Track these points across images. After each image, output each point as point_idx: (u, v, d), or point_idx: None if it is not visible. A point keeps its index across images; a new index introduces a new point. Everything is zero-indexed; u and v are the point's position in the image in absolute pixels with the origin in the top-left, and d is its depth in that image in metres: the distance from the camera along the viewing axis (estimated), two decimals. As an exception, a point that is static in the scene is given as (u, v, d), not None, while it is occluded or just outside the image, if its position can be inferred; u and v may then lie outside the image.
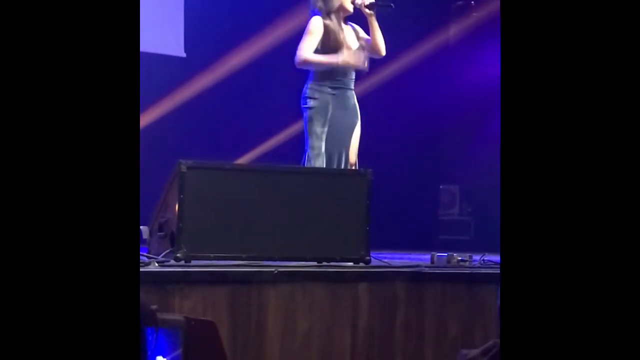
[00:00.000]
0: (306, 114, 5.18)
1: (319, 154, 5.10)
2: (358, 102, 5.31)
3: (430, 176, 9.28)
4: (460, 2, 9.30)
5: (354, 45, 5.18)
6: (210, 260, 4.10)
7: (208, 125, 8.16)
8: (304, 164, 5.11)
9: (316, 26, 5.12)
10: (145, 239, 4.45)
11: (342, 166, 5.13)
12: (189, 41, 8.17)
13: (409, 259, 5.31)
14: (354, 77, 5.25)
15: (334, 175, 4.69)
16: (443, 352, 4.28)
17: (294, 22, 7.82)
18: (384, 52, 5.29)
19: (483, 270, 4.63)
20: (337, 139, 5.17)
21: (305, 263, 4.23)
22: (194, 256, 4.07)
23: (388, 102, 8.41)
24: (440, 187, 9.41)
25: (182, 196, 4.08)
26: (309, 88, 5.18)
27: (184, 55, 8.15)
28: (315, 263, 4.27)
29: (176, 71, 8.02)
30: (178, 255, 4.03)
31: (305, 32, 5.14)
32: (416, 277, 4.30)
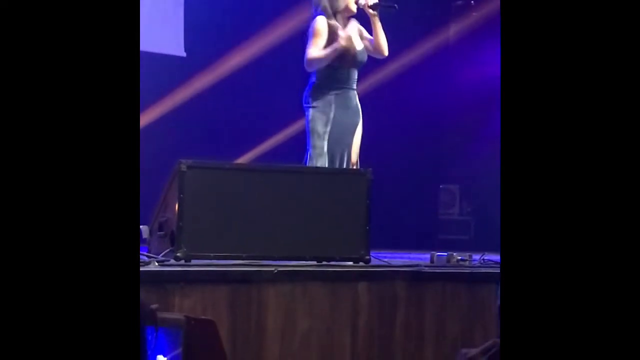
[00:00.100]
0: (308, 113, 5.18)
1: (321, 154, 5.10)
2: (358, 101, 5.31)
3: (430, 176, 9.28)
4: (460, 2, 9.30)
5: (358, 45, 5.18)
6: (210, 259, 4.10)
7: (208, 125, 8.16)
8: (306, 164, 5.10)
9: (321, 27, 5.12)
10: (145, 239, 4.45)
11: (344, 166, 5.13)
12: (189, 41, 8.17)
13: (408, 258, 5.31)
14: (356, 77, 5.25)
15: (333, 174, 4.69)
16: (443, 352, 4.28)
17: (294, 21, 7.82)
18: (386, 53, 5.29)
19: (483, 270, 4.63)
20: (340, 138, 5.17)
21: (305, 262, 4.23)
22: (194, 255, 4.07)
23: (388, 101, 8.41)
24: (440, 186, 9.41)
25: (182, 196, 4.08)
26: (312, 88, 5.18)
27: (184, 54, 8.15)
28: (315, 262, 4.27)
29: (176, 71, 8.02)
30: (178, 254, 4.03)
31: (310, 34, 5.14)
32: (416, 277, 4.30)
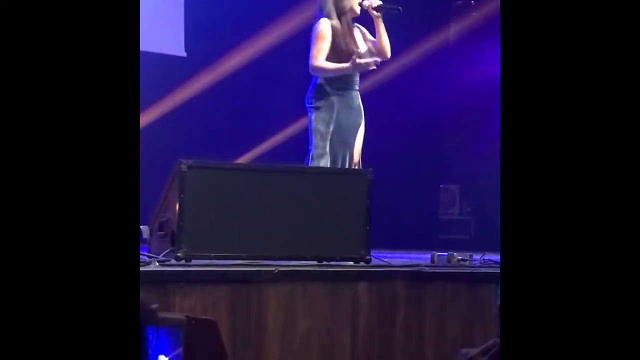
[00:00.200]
0: (311, 113, 5.19)
1: (323, 154, 5.11)
2: (359, 101, 5.32)
3: (430, 176, 9.29)
4: (460, 2, 9.30)
5: (362, 48, 5.19)
6: (211, 259, 4.11)
7: (208, 125, 8.16)
8: (308, 163, 5.11)
9: (325, 30, 5.13)
10: (146, 239, 4.45)
11: (347, 166, 5.14)
12: (190, 41, 8.17)
13: (409, 258, 5.31)
14: (358, 78, 5.26)
15: (334, 174, 4.69)
16: (443, 352, 4.28)
17: (294, 21, 7.83)
18: (389, 55, 5.31)
19: (483, 270, 4.63)
20: (342, 139, 5.18)
21: (305, 262, 4.24)
22: (195, 255, 4.07)
23: (388, 101, 8.41)
24: (440, 186, 9.42)
25: (182, 196, 4.08)
26: (315, 88, 5.19)
27: (185, 54, 8.15)
28: (315, 262, 4.27)
29: (176, 71, 8.02)
30: (178, 254, 4.03)
31: (314, 37, 5.14)
32: (416, 277, 4.30)
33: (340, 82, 5.17)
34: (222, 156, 6.08)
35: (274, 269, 3.93)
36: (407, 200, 8.93)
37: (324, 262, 4.29)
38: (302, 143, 5.79)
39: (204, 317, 3.37)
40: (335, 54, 5.12)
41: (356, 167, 5.18)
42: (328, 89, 5.16)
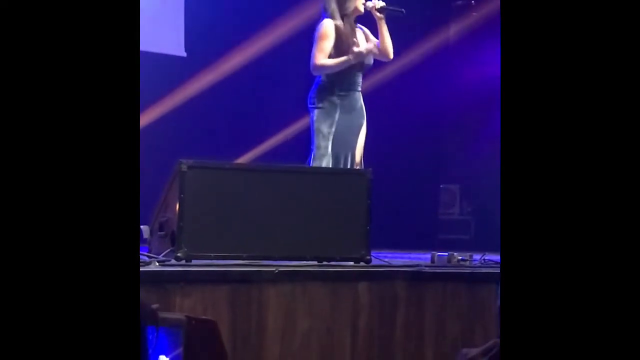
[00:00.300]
0: (313, 113, 5.19)
1: (325, 154, 5.12)
2: (359, 101, 5.32)
3: (430, 175, 9.29)
4: (460, 2, 9.29)
5: (365, 46, 5.20)
6: (211, 259, 4.11)
7: (208, 125, 8.16)
8: (310, 163, 5.12)
9: (328, 30, 5.14)
10: (146, 239, 4.45)
11: (348, 166, 5.15)
12: (190, 40, 8.17)
13: (409, 258, 5.31)
14: (361, 80, 5.27)
15: (334, 174, 4.69)
16: (443, 352, 4.28)
17: (294, 21, 7.83)
18: (392, 56, 5.32)
19: (483, 270, 4.63)
20: (344, 140, 5.19)
21: (305, 262, 4.23)
22: (195, 255, 4.07)
23: (388, 101, 8.41)
24: (441, 186, 9.41)
25: (182, 196, 4.08)
26: (318, 88, 5.20)
27: (185, 54, 8.15)
28: (315, 262, 4.27)
29: (177, 71, 8.02)
30: (179, 254, 4.03)
31: (317, 37, 5.15)
32: (416, 277, 4.30)
33: (343, 83, 5.18)
34: (222, 156, 6.08)
35: (274, 269, 3.93)
36: (407, 200, 8.93)
37: (324, 262, 4.29)
38: (302, 143, 5.79)
39: (204, 317, 3.37)
40: (338, 54, 5.12)
41: (358, 167, 5.18)
42: (331, 89, 5.17)
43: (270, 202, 4.22)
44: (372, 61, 5.27)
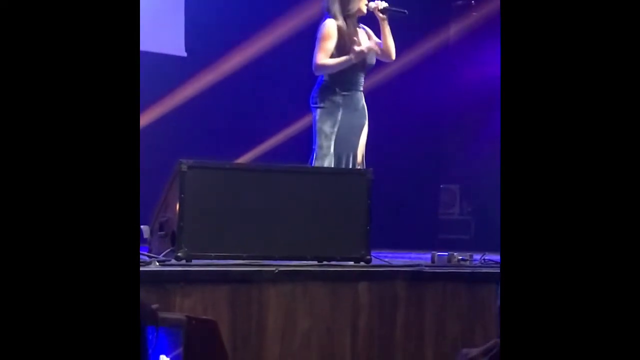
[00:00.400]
0: (315, 113, 5.20)
1: (327, 154, 5.13)
2: (360, 101, 5.33)
3: (430, 175, 9.29)
4: (460, 2, 9.29)
5: (365, 45, 5.20)
6: (211, 259, 4.11)
7: (208, 125, 8.16)
8: (311, 163, 5.13)
9: (330, 30, 5.14)
10: (146, 239, 4.45)
11: (350, 166, 5.17)
12: (190, 40, 8.17)
13: (409, 258, 5.32)
14: (363, 80, 5.28)
15: (334, 174, 4.69)
16: (443, 352, 4.28)
17: (294, 21, 7.83)
18: (394, 57, 5.33)
19: (484, 270, 4.63)
20: (346, 140, 5.20)
21: (305, 262, 4.24)
22: (195, 255, 4.07)
23: (388, 101, 8.41)
24: (441, 186, 9.41)
25: (182, 195, 4.08)
26: (320, 88, 5.20)
27: (185, 54, 8.15)
28: (315, 262, 4.27)
29: (177, 70, 8.02)
30: (179, 254, 4.04)
31: (319, 37, 5.16)
32: (417, 277, 4.30)
33: (345, 83, 5.19)
34: (222, 156, 6.08)
35: (274, 269, 3.94)
36: (407, 200, 8.93)
37: (324, 262, 4.29)
38: (302, 143, 5.79)
39: (204, 317, 3.37)
40: (340, 54, 5.13)
41: (359, 167, 5.19)
42: (333, 89, 5.18)
43: (270, 202, 4.22)
44: (374, 61, 5.28)
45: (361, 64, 5.19)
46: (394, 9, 5.23)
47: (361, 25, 5.31)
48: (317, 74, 5.20)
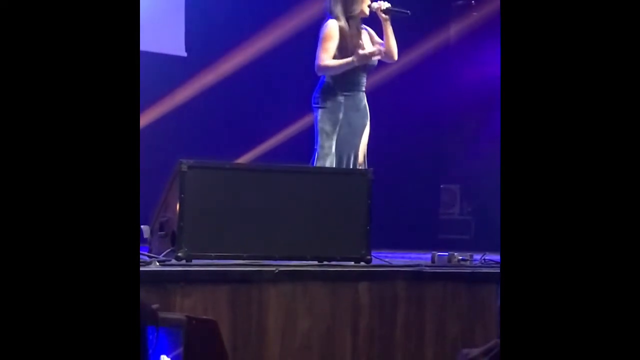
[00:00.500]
0: (317, 113, 5.21)
1: (328, 154, 5.14)
2: (360, 101, 5.33)
3: (430, 175, 9.28)
4: (460, 2, 9.29)
5: (369, 49, 5.20)
6: (211, 259, 4.11)
7: (208, 125, 8.16)
8: (313, 163, 5.13)
9: (333, 31, 5.15)
10: (147, 239, 4.45)
11: (352, 166, 5.17)
12: (190, 40, 8.17)
13: (409, 258, 5.32)
14: (365, 80, 5.28)
15: (334, 174, 4.69)
16: (443, 352, 4.28)
17: (294, 21, 7.83)
18: (396, 57, 5.34)
19: (484, 270, 4.63)
20: (348, 140, 5.20)
21: (305, 262, 4.24)
22: (195, 255, 4.07)
23: (388, 101, 8.41)
24: (441, 186, 9.41)
25: (182, 195, 4.08)
26: (322, 88, 5.21)
27: (185, 54, 8.15)
28: (315, 262, 4.27)
29: (177, 71, 8.02)
30: (179, 254, 4.04)
31: (322, 38, 5.16)
32: (417, 277, 4.30)
33: (347, 83, 5.20)
34: (222, 156, 6.08)
35: (274, 269, 3.94)
36: (408, 200, 8.93)
37: (325, 262, 4.29)
38: (302, 143, 5.78)
39: (204, 317, 3.37)
40: (342, 55, 5.13)
41: (361, 167, 5.19)
42: (335, 89, 5.18)
43: (271, 202, 4.22)
44: (376, 62, 5.29)
45: (363, 65, 5.19)
46: (396, 9, 5.23)
47: (363, 26, 5.31)
48: (319, 74, 5.21)
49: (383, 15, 5.22)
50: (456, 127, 9.40)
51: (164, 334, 2.93)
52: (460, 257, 4.82)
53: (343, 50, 5.13)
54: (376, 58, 5.24)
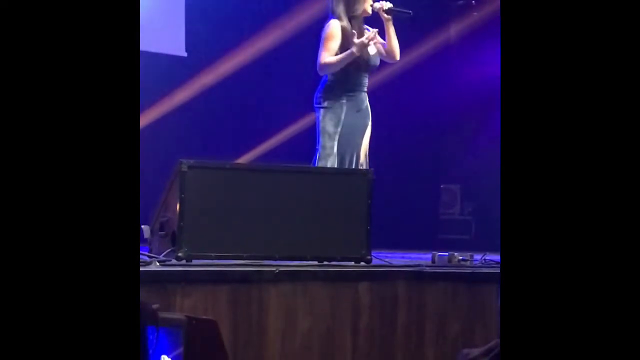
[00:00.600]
0: (319, 113, 5.21)
1: (330, 154, 5.14)
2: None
3: (430, 175, 9.28)
4: (461, 2, 9.29)
5: (371, 50, 5.20)
6: (211, 259, 4.11)
7: (208, 125, 8.16)
8: (315, 163, 5.13)
9: (335, 30, 5.15)
10: (147, 239, 4.45)
11: (353, 166, 5.17)
12: (190, 40, 8.17)
13: (409, 258, 5.32)
14: (367, 80, 5.28)
15: (334, 174, 4.69)
16: (444, 352, 4.28)
17: (294, 21, 7.83)
18: (398, 57, 5.34)
19: (484, 270, 4.63)
20: (350, 139, 5.20)
21: (306, 262, 4.24)
22: (195, 255, 4.07)
23: (388, 101, 8.41)
24: (441, 186, 9.41)
25: (183, 195, 4.08)
26: (324, 88, 5.21)
27: (185, 54, 8.15)
28: (316, 262, 4.27)
29: (177, 71, 8.02)
30: (179, 254, 4.04)
31: (323, 37, 5.16)
32: (417, 277, 4.30)
33: (349, 84, 5.20)
34: (222, 156, 6.08)
35: (274, 269, 3.94)
36: (408, 200, 8.93)
37: (325, 262, 4.29)
38: (303, 143, 5.78)
39: (204, 317, 3.37)
40: None
41: (362, 168, 5.19)
42: (337, 89, 5.19)
43: (271, 202, 4.22)
44: (378, 62, 5.29)
45: (365, 65, 5.19)
46: (398, 9, 5.23)
47: (366, 26, 5.31)
48: (321, 73, 5.21)
49: (385, 15, 5.22)
50: (456, 127, 9.40)
51: (164, 334, 2.93)
52: (461, 257, 4.81)
53: (345, 49, 5.13)
54: (377, 55, 5.23)
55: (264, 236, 4.18)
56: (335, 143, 5.16)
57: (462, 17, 9.24)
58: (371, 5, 5.22)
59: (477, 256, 4.95)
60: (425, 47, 8.80)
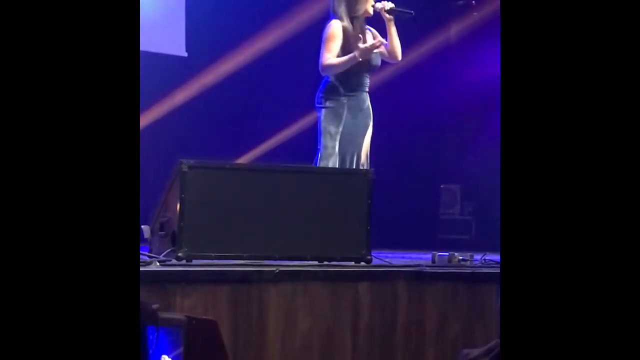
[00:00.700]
0: (320, 113, 5.21)
1: (332, 154, 5.13)
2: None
3: (430, 175, 9.28)
4: (461, 2, 9.29)
5: (371, 42, 5.20)
6: (212, 259, 4.11)
7: (208, 125, 8.16)
8: (316, 163, 5.13)
9: (336, 31, 5.15)
10: (147, 239, 4.45)
11: (354, 166, 5.17)
12: (190, 40, 8.17)
13: (409, 258, 5.31)
14: (368, 80, 5.28)
15: (335, 174, 4.69)
16: (444, 352, 4.28)
17: (295, 21, 7.83)
18: (400, 58, 5.34)
19: (484, 270, 4.63)
20: (351, 140, 5.20)
21: (306, 262, 4.24)
22: (195, 255, 4.07)
23: (389, 101, 8.40)
24: (441, 186, 9.41)
25: (183, 195, 4.08)
26: (325, 88, 5.21)
27: (185, 54, 8.15)
28: (316, 262, 4.27)
29: (177, 71, 8.02)
30: (179, 254, 4.04)
31: (325, 38, 5.16)
32: (417, 277, 4.30)
33: (350, 84, 5.20)
34: (222, 156, 6.08)
35: (274, 269, 3.94)
36: (408, 200, 8.93)
37: (325, 262, 4.29)
38: (303, 143, 5.78)
39: (204, 317, 3.37)
40: (346, 55, 5.12)
41: (364, 168, 5.19)
42: (338, 89, 5.18)
43: (270, 202, 4.22)
44: (379, 62, 5.28)
45: (366, 65, 5.19)
46: (400, 9, 5.23)
47: (367, 26, 5.31)
48: (323, 74, 5.21)
49: (387, 15, 5.21)
50: (456, 127, 9.41)
51: (164, 334, 2.93)
52: (461, 257, 4.81)
53: (347, 50, 5.13)
54: (378, 56, 5.23)
55: (264, 236, 4.19)
56: (337, 143, 5.16)
57: (462, 17, 9.24)
58: (373, 6, 5.21)
59: (477, 256, 4.95)
60: (426, 47, 8.80)
